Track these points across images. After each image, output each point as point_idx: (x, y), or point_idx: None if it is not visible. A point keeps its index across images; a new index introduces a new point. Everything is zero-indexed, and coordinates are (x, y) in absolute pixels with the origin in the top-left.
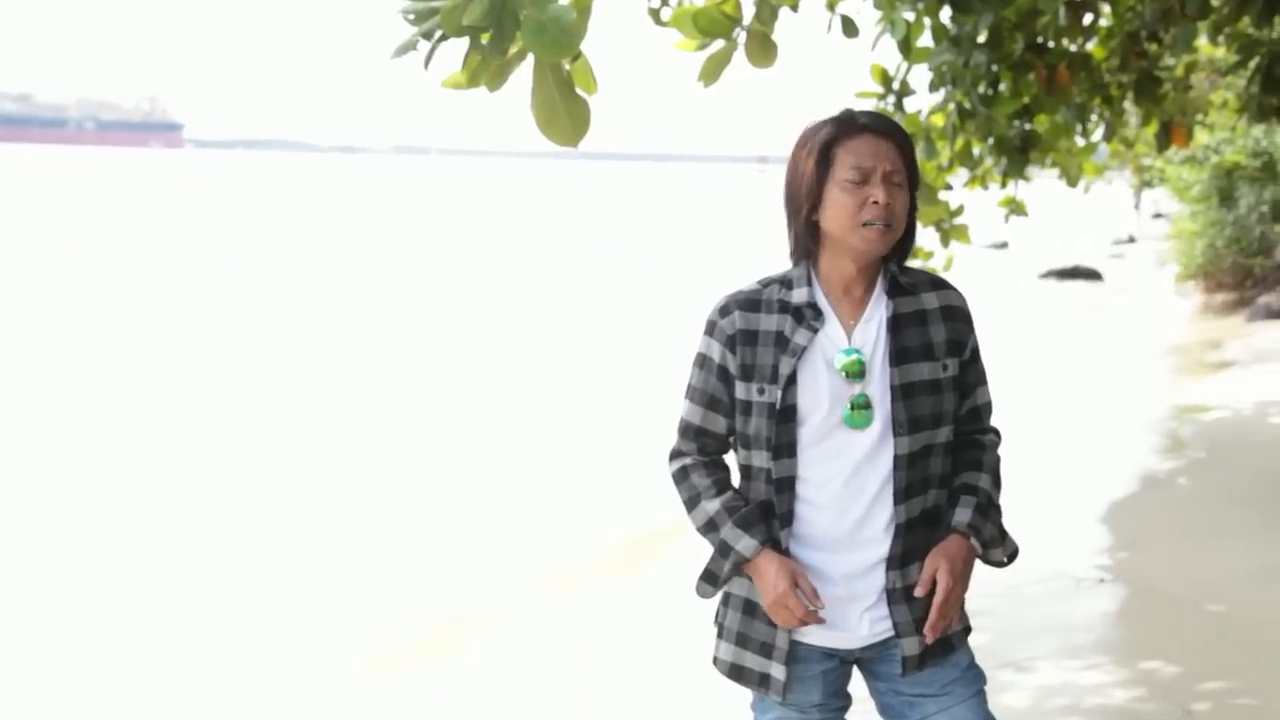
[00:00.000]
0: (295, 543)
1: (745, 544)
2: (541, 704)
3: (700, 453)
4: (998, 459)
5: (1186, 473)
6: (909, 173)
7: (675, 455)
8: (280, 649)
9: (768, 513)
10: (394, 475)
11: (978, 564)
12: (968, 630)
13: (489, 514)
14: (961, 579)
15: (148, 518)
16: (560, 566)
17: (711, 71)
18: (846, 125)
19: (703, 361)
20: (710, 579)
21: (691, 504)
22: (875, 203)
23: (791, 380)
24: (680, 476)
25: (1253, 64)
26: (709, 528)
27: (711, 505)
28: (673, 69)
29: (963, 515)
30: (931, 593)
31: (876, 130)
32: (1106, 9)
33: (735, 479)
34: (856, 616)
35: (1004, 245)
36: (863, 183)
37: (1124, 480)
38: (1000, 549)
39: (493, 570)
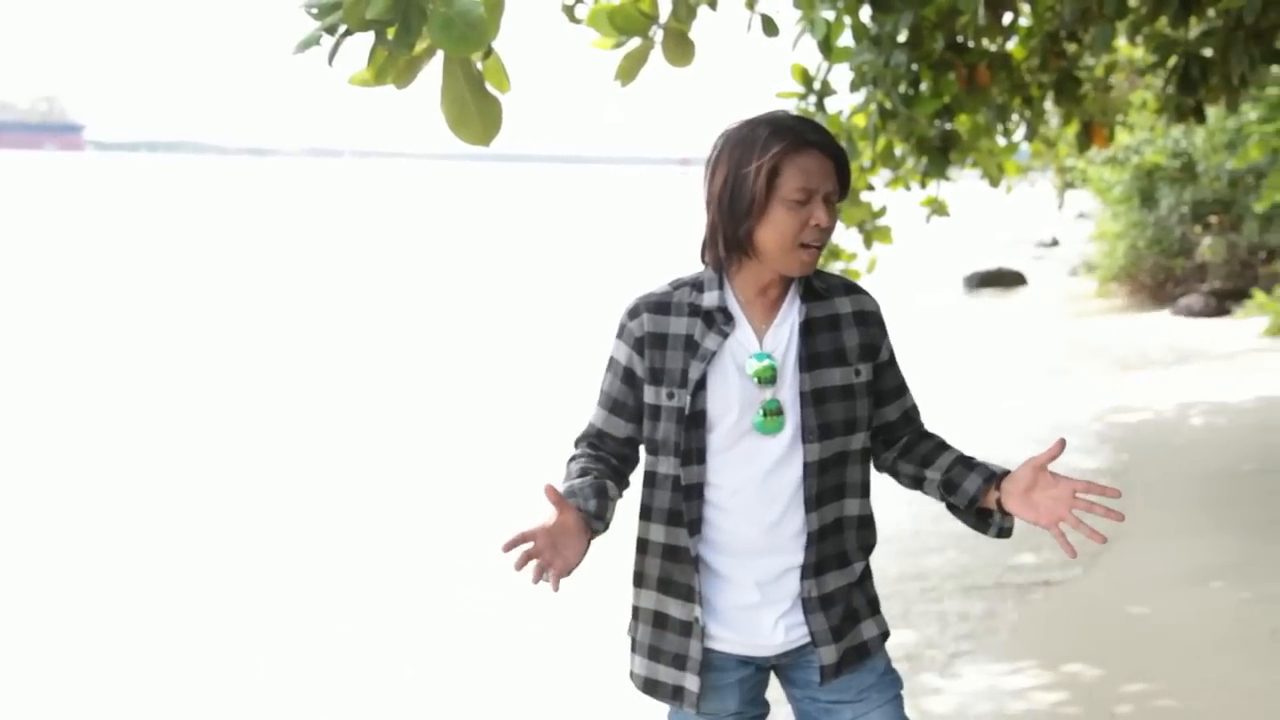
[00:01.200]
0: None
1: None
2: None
3: (594, 449)
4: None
5: (1108, 475)
6: (843, 191)
7: (574, 447)
8: (263, 646)
9: (601, 492)
10: (291, 481)
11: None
12: (885, 635)
13: (394, 527)
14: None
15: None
16: (468, 579)
17: (628, 70)
18: (797, 141)
19: (610, 364)
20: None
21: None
22: (817, 225)
23: (701, 385)
24: (567, 464)
25: (1170, 64)
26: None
27: (564, 485)
28: (591, 68)
29: (988, 467)
30: (845, 604)
31: (823, 148)
32: (1026, 9)
33: (637, 484)
34: (771, 623)
35: (929, 246)
36: (806, 202)
37: None
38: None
39: (395, 571)
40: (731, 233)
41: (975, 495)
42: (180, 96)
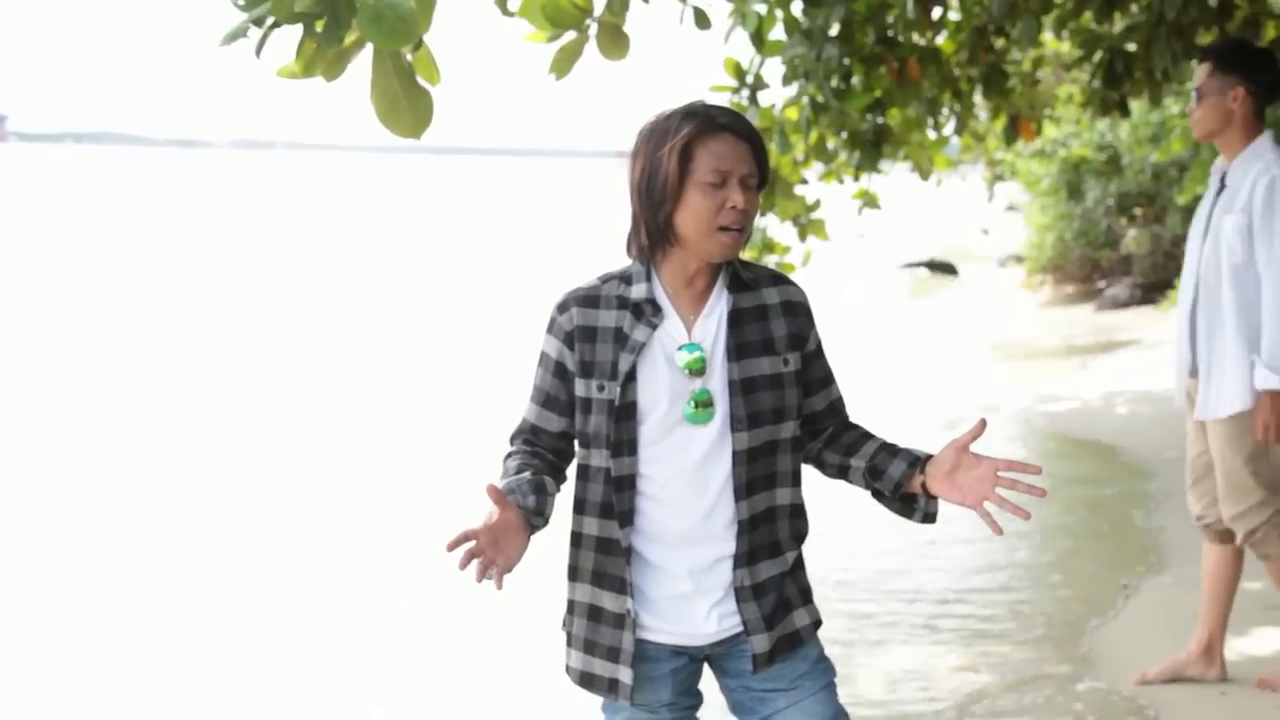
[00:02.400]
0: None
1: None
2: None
3: (529, 444)
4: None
5: (1034, 461)
6: (762, 175)
7: (509, 443)
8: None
9: (539, 488)
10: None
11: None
12: (817, 624)
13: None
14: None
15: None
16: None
17: (563, 64)
18: (707, 123)
19: (541, 359)
20: None
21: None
22: (734, 207)
23: (631, 376)
24: (501, 467)
25: (1095, 58)
26: None
27: (502, 482)
28: (526, 61)
29: (912, 452)
30: (778, 593)
31: (736, 131)
32: (955, 3)
33: (572, 477)
34: (704, 613)
35: (861, 237)
36: (721, 185)
37: None
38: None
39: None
40: (652, 220)
41: (900, 480)
42: (106, 87)
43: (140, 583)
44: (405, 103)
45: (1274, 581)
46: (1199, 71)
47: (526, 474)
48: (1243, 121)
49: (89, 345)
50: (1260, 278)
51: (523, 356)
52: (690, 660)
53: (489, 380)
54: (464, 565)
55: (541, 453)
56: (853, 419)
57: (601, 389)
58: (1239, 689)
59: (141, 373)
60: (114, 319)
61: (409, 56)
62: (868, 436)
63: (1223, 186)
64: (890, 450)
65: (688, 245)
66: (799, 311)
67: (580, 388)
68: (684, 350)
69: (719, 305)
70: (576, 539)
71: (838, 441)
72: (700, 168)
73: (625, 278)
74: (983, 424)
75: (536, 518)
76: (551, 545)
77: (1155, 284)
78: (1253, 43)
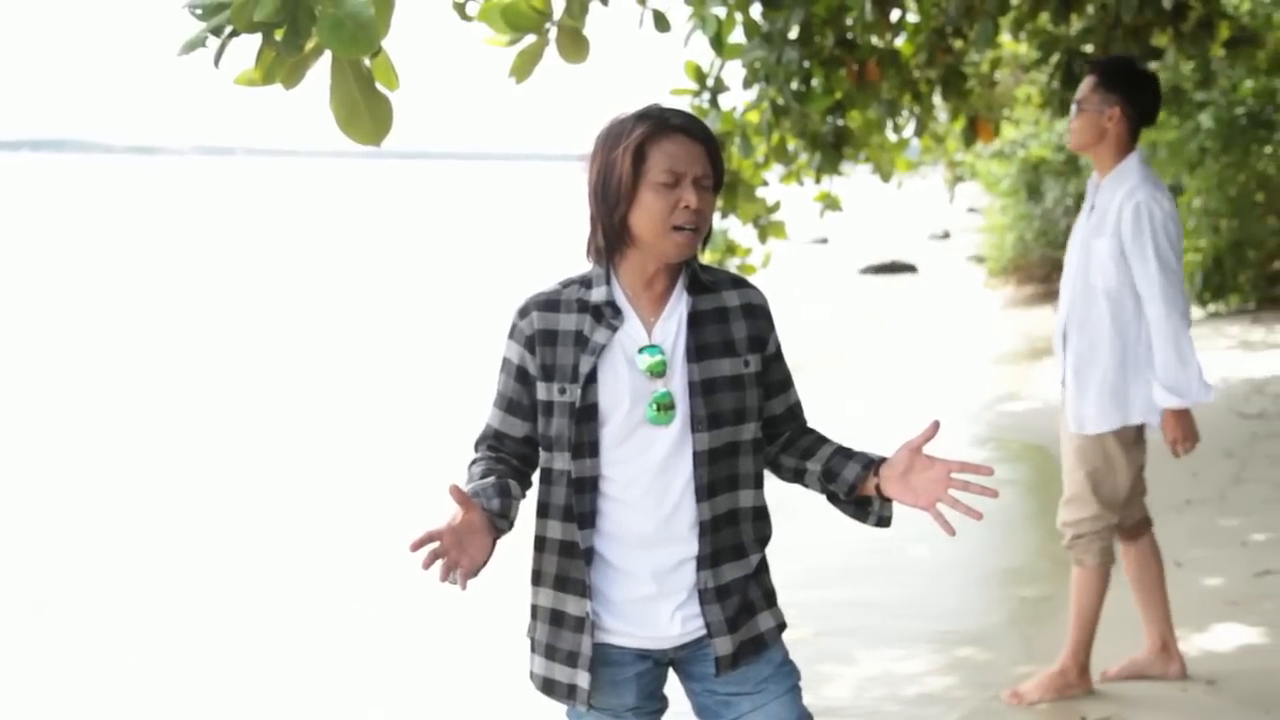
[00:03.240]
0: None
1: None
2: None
3: (493, 450)
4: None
5: (998, 463)
6: (717, 176)
7: (474, 449)
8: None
9: (504, 492)
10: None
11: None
12: (782, 626)
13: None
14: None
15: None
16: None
17: (523, 68)
18: (660, 124)
19: (504, 365)
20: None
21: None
22: (687, 207)
23: (591, 379)
24: (466, 473)
25: (1053, 60)
26: None
27: (468, 486)
28: (487, 65)
29: (867, 455)
30: (742, 595)
31: (689, 132)
32: (913, 5)
33: (535, 482)
34: (668, 615)
35: (824, 241)
36: (675, 185)
37: None
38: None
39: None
40: (608, 221)
41: (854, 483)
42: (64, 94)
43: (121, 587)
44: (365, 109)
45: (1074, 589)
46: (1083, 84)
47: (491, 478)
48: (1116, 140)
49: (52, 355)
50: (1140, 300)
51: (486, 360)
52: (654, 664)
53: (454, 383)
54: (427, 565)
55: (506, 458)
56: (810, 424)
57: (563, 392)
58: (1199, 686)
59: (109, 381)
60: (78, 328)
61: (367, 63)
62: (823, 440)
63: (1094, 206)
64: (845, 453)
65: (644, 246)
66: (759, 314)
67: (542, 391)
68: (645, 353)
69: (679, 307)
70: (540, 543)
71: (794, 445)
72: (654, 168)
73: (585, 281)
74: (935, 426)
75: (501, 520)
76: (522, 551)
77: None
78: (1138, 64)
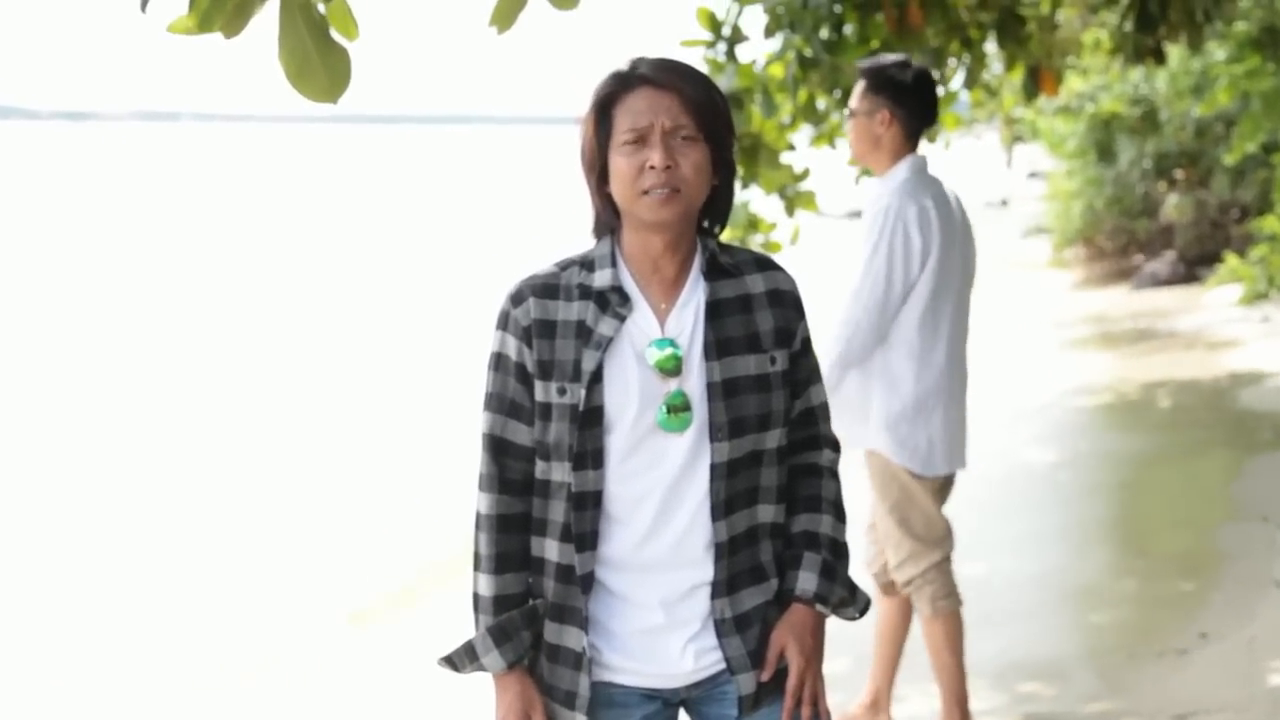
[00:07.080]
0: None
1: (492, 660)
2: None
3: (501, 482)
4: (839, 487)
5: (1069, 466)
6: (703, 124)
7: (480, 483)
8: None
9: (532, 618)
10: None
11: None
12: None
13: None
14: (814, 657)
15: None
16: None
17: (505, 15)
18: (625, 79)
19: (498, 361)
20: (451, 664)
21: (475, 564)
22: (652, 167)
23: (596, 377)
24: (476, 523)
25: None
26: (474, 607)
27: (485, 586)
28: (469, 18)
29: (807, 583)
30: (763, 624)
31: (654, 82)
32: None
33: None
34: (679, 648)
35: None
36: (640, 144)
37: (998, 476)
38: (852, 606)
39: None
40: (594, 195)
41: (782, 592)
42: None
43: (119, 586)
44: (318, 61)
45: (925, 640)
46: (855, 90)
47: (514, 592)
48: (890, 145)
49: None
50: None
51: (461, 345)
52: (664, 705)
53: (429, 370)
54: None
55: (518, 504)
56: (818, 445)
57: (563, 392)
58: None
59: (53, 366)
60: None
61: (322, 8)
62: (807, 505)
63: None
64: (806, 548)
65: (628, 218)
66: (787, 302)
67: (539, 391)
68: (655, 346)
69: (695, 294)
70: (538, 565)
71: (789, 485)
72: (618, 129)
73: (587, 263)
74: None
75: (534, 651)
76: None
77: (1200, 257)
78: (906, 63)
